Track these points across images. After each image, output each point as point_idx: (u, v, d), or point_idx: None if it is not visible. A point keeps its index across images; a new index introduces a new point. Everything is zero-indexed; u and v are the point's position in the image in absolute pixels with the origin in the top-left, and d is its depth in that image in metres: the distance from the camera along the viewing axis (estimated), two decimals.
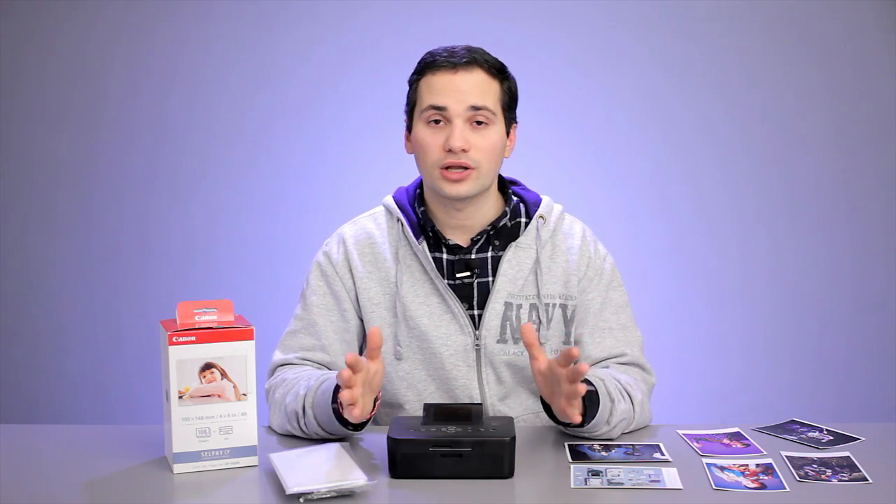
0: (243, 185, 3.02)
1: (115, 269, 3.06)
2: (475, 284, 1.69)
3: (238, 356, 1.42)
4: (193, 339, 1.40)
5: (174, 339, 1.39)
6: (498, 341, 1.67)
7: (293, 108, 2.98)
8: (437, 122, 1.63)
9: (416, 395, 1.69)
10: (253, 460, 1.44)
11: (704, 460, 1.45)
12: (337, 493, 1.31)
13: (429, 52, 1.67)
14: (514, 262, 1.69)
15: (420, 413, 1.49)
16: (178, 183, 3.03)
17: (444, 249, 1.70)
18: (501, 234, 1.71)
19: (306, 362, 1.68)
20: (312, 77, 2.97)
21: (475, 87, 1.62)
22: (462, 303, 1.68)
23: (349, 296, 1.71)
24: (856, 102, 2.92)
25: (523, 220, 1.72)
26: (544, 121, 2.56)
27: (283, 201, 3.01)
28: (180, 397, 1.40)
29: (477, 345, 1.67)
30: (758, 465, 1.42)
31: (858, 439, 1.53)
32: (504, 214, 1.71)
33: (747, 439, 1.54)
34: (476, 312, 1.69)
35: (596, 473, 1.39)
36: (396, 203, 1.73)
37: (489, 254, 1.70)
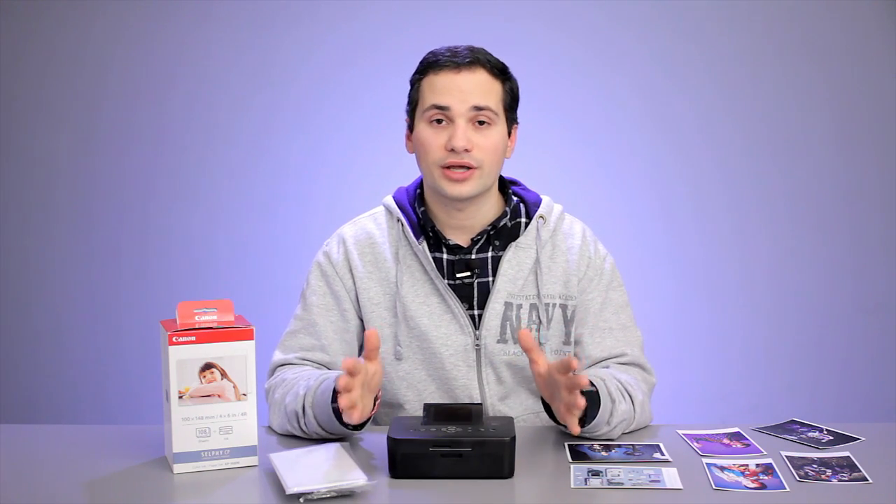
0: (243, 185, 3.02)
1: (115, 269, 3.06)
2: (475, 284, 1.69)
3: (238, 356, 1.42)
4: (193, 339, 1.40)
5: (174, 339, 1.39)
6: (498, 341, 1.67)
7: (293, 108, 2.98)
8: (439, 121, 1.63)
9: (416, 395, 1.69)
10: (253, 460, 1.44)
11: (704, 460, 1.45)
12: (337, 493, 1.31)
13: (431, 52, 1.67)
14: (515, 262, 1.69)
15: (420, 413, 1.49)
16: (178, 183, 3.03)
17: (445, 249, 1.70)
18: (501, 234, 1.71)
19: (306, 362, 1.68)
20: (312, 77, 2.97)
21: (478, 88, 1.62)
22: (462, 303, 1.68)
23: (349, 296, 1.71)
24: (856, 102, 2.92)
25: (523, 220, 1.72)
26: (544, 121, 2.56)
27: (283, 201, 3.01)
28: (180, 397, 1.40)
29: (477, 345, 1.67)
30: (758, 465, 1.42)
31: (858, 439, 1.53)
32: (504, 214, 1.71)
33: (747, 439, 1.54)
34: (476, 312, 1.69)
35: (596, 473, 1.39)
36: (396, 203, 1.73)
37: (489, 254, 1.70)
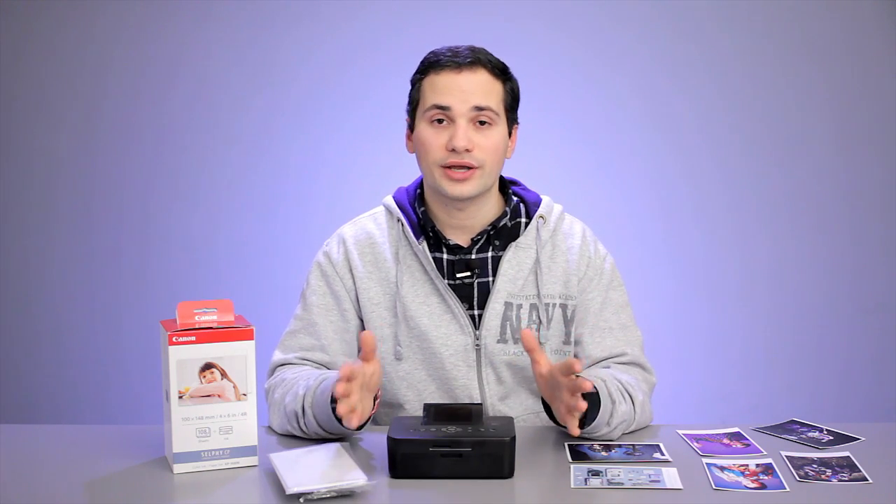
0: (243, 185, 3.02)
1: (115, 269, 3.06)
2: (475, 284, 1.69)
3: (238, 356, 1.42)
4: (193, 339, 1.40)
5: (174, 339, 1.39)
6: (498, 341, 1.67)
7: (293, 108, 2.98)
8: (440, 121, 1.63)
9: (416, 395, 1.69)
10: (253, 460, 1.44)
11: (704, 460, 1.45)
12: (337, 493, 1.31)
13: (432, 52, 1.67)
14: (514, 262, 1.69)
15: (420, 413, 1.49)
16: (178, 183, 3.03)
17: (445, 249, 1.70)
18: (501, 234, 1.71)
19: (306, 362, 1.68)
20: (312, 77, 2.97)
21: (479, 88, 1.62)
22: (462, 303, 1.68)
23: (349, 296, 1.71)
24: (856, 102, 2.92)
25: (523, 220, 1.73)
26: (544, 121, 2.56)
27: (283, 201, 3.01)
28: (180, 397, 1.40)
29: (477, 345, 1.68)
30: (758, 465, 1.42)
31: (858, 439, 1.53)
32: (504, 214, 1.71)
33: (747, 439, 1.54)
34: (476, 312, 1.69)
35: (596, 473, 1.39)
36: (396, 203, 1.73)
37: (489, 254, 1.70)
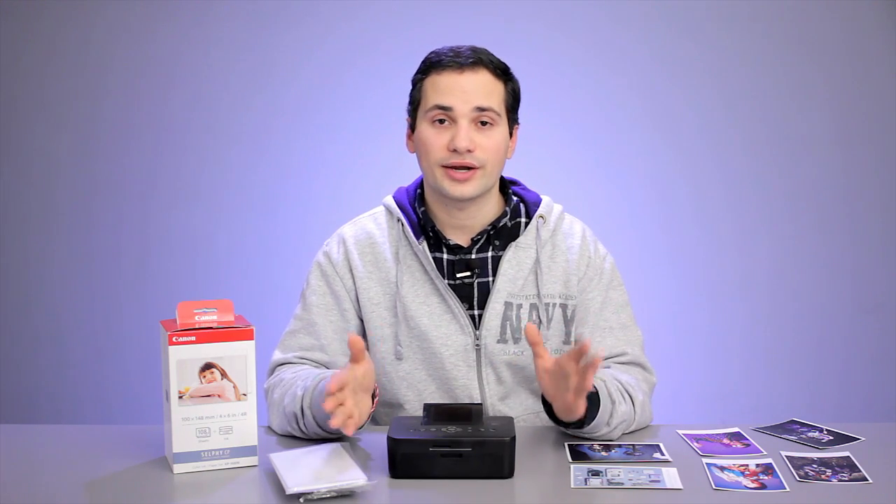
0: (243, 185, 3.02)
1: (115, 269, 3.06)
2: (475, 284, 1.69)
3: (238, 356, 1.42)
4: (193, 339, 1.40)
5: (174, 339, 1.39)
6: (498, 341, 1.67)
7: (293, 108, 2.98)
8: (441, 121, 1.63)
9: (416, 395, 1.69)
10: (253, 460, 1.44)
11: (704, 460, 1.45)
12: (337, 493, 1.31)
13: (433, 52, 1.67)
14: (515, 261, 1.69)
15: (420, 413, 1.49)
16: (178, 183, 3.03)
17: (445, 249, 1.70)
18: (502, 234, 1.71)
19: (305, 361, 1.68)
20: (312, 77, 2.97)
21: (481, 88, 1.62)
22: (462, 303, 1.68)
23: (349, 296, 1.71)
24: (856, 102, 2.92)
25: (523, 219, 1.73)
26: (544, 121, 2.56)
27: (283, 201, 3.01)
28: (180, 397, 1.40)
29: (477, 345, 1.68)
30: (758, 465, 1.42)
31: (858, 439, 1.53)
32: (504, 214, 1.71)
33: (747, 439, 1.54)
34: (476, 312, 1.69)
35: (596, 473, 1.39)
36: (397, 203, 1.73)
37: (489, 254, 1.70)
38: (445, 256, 1.69)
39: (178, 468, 1.41)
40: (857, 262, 2.97)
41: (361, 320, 1.71)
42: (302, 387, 1.54)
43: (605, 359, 1.69)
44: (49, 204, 3.06)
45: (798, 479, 1.38)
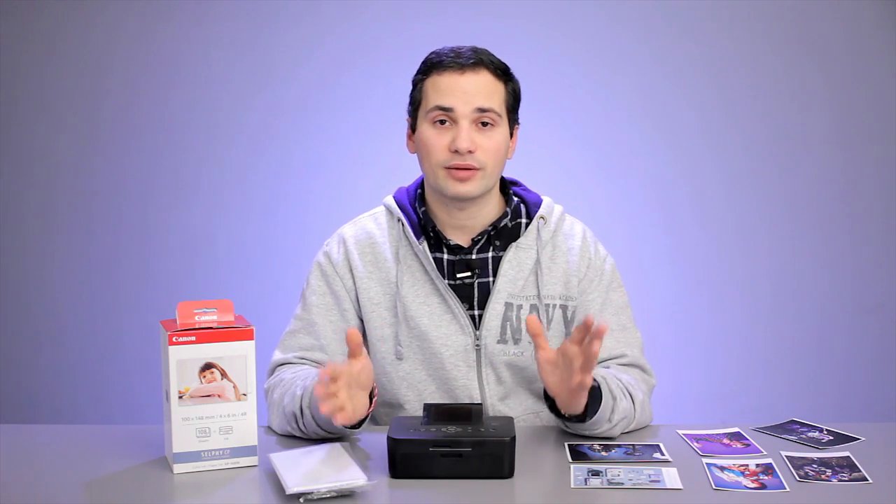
0: (243, 185, 3.02)
1: (115, 269, 3.06)
2: (476, 285, 1.69)
3: (238, 356, 1.42)
4: (193, 339, 1.40)
5: (174, 339, 1.39)
6: (498, 342, 1.67)
7: (293, 108, 2.98)
8: (442, 122, 1.63)
9: (416, 395, 1.69)
10: (253, 460, 1.44)
11: (704, 460, 1.45)
12: (337, 493, 1.31)
13: (434, 52, 1.67)
14: (515, 262, 1.69)
15: (420, 413, 1.49)
16: (178, 183, 3.03)
17: (445, 249, 1.70)
18: (502, 235, 1.71)
19: (305, 362, 1.68)
20: (312, 77, 2.97)
21: (482, 89, 1.62)
22: (462, 303, 1.68)
23: (349, 296, 1.71)
24: (856, 102, 2.92)
25: (524, 220, 1.72)
26: (544, 121, 2.56)
27: (283, 201, 3.01)
28: (180, 397, 1.40)
29: (477, 345, 1.67)
30: (758, 465, 1.42)
31: (858, 439, 1.53)
32: (505, 215, 1.71)
33: (747, 439, 1.54)
34: (476, 313, 1.69)
35: (596, 473, 1.39)
36: (397, 203, 1.73)
37: (490, 254, 1.70)
38: (446, 256, 1.69)
39: (178, 468, 1.41)
40: (857, 262, 2.97)
41: (361, 320, 1.71)
42: (301, 386, 1.54)
43: (605, 360, 1.69)
44: (49, 204, 3.06)
45: (798, 479, 1.38)
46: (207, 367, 1.41)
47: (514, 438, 1.38)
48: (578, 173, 2.94)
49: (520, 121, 1.72)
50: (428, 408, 1.48)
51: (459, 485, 1.35)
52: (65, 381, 3.10)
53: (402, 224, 1.70)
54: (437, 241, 1.70)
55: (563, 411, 1.50)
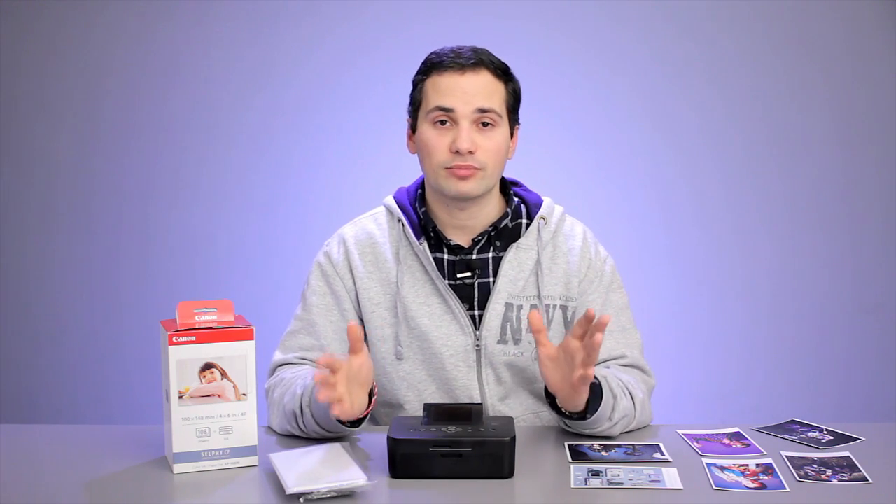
0: (243, 185, 3.02)
1: (115, 269, 3.06)
2: (476, 285, 1.69)
3: (238, 356, 1.42)
4: (193, 339, 1.40)
5: (174, 339, 1.39)
6: (498, 342, 1.67)
7: (293, 108, 2.98)
8: (442, 122, 1.63)
9: (416, 395, 1.69)
10: (253, 460, 1.44)
11: (704, 460, 1.45)
12: (337, 493, 1.31)
13: (434, 53, 1.67)
14: (515, 262, 1.69)
15: (420, 413, 1.49)
16: (178, 183, 3.03)
17: (445, 250, 1.70)
18: (503, 235, 1.71)
19: (305, 362, 1.68)
20: (312, 77, 2.97)
21: (482, 89, 1.62)
22: (463, 303, 1.68)
23: (349, 296, 1.71)
24: (856, 102, 2.92)
25: (524, 220, 1.72)
26: (544, 121, 2.56)
27: (283, 201, 3.01)
28: (180, 397, 1.40)
29: (477, 345, 1.67)
30: (758, 465, 1.42)
31: (858, 439, 1.53)
32: (505, 215, 1.71)
33: (747, 439, 1.54)
34: (477, 313, 1.69)
35: (596, 473, 1.39)
36: (397, 203, 1.73)
37: (490, 254, 1.70)
38: (446, 257, 1.69)
39: (178, 468, 1.41)
40: (857, 262, 2.97)
41: (362, 321, 1.71)
42: (302, 385, 1.54)
43: (605, 361, 1.69)
44: (49, 204, 3.06)
45: (798, 479, 1.38)
46: (207, 367, 1.41)
47: (514, 438, 1.38)
48: (578, 173, 2.94)
49: (520, 121, 1.72)
50: (428, 408, 1.48)
51: (459, 485, 1.35)
52: (65, 381, 3.10)
53: (403, 224, 1.70)
54: (437, 241, 1.70)
55: (564, 409, 1.50)
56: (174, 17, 2.96)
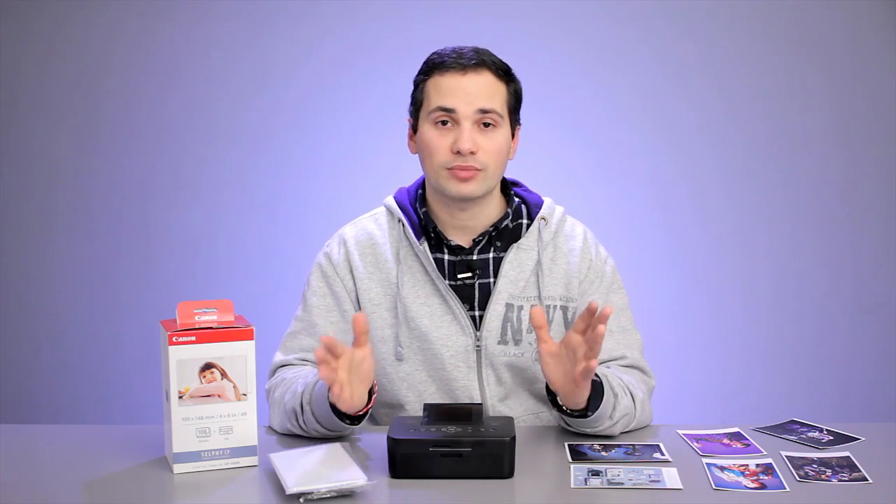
0: (243, 185, 3.02)
1: (115, 269, 3.06)
2: (476, 285, 1.69)
3: (238, 356, 1.42)
4: (193, 339, 1.40)
5: (174, 339, 1.39)
6: (499, 342, 1.67)
7: (293, 108, 2.98)
8: (444, 123, 1.63)
9: (416, 395, 1.69)
10: (253, 460, 1.44)
11: (704, 460, 1.45)
12: (337, 493, 1.31)
13: (436, 53, 1.67)
14: (516, 263, 1.69)
15: (420, 413, 1.49)
16: (177, 183, 3.03)
17: (446, 250, 1.70)
18: (503, 236, 1.71)
19: (306, 363, 1.68)
20: (312, 77, 2.97)
21: (484, 90, 1.62)
22: (463, 304, 1.68)
23: (350, 296, 1.71)
24: (856, 102, 2.92)
25: (525, 221, 1.72)
26: (544, 121, 2.56)
27: (283, 201, 3.01)
28: (180, 397, 1.40)
29: (478, 346, 1.67)
30: (758, 465, 1.42)
31: (858, 439, 1.53)
32: (506, 216, 1.71)
33: (747, 439, 1.54)
34: (477, 313, 1.69)
35: (596, 473, 1.39)
36: (397, 203, 1.73)
37: (490, 255, 1.70)
38: (446, 257, 1.69)
39: (178, 468, 1.41)
40: (857, 262, 2.97)
41: None
42: (302, 384, 1.55)
43: (605, 361, 1.69)
44: (49, 204, 3.06)
45: (798, 479, 1.38)
46: (207, 367, 1.41)
47: (514, 438, 1.38)
48: (578, 173, 2.94)
49: (521, 121, 1.72)
50: (428, 408, 1.48)
51: (459, 485, 1.35)
52: (65, 381, 3.10)
53: (403, 224, 1.70)
54: (437, 241, 1.70)
55: (565, 406, 1.50)
56: (174, 17, 2.96)
